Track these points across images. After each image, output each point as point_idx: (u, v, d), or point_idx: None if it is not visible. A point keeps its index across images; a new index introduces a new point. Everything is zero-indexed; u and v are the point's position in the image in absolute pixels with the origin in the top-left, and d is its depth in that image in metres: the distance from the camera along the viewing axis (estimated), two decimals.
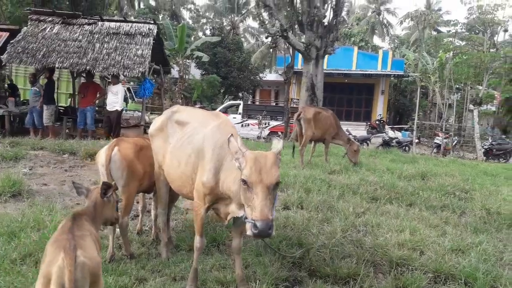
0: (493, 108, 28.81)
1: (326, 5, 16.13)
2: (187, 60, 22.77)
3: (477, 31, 28.38)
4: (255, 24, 43.57)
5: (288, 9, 16.07)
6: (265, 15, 16.42)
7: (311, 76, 16.07)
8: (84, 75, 12.56)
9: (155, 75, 15.06)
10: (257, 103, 29.28)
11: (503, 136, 23.72)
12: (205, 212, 3.47)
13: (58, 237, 2.41)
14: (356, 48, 30.81)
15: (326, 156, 9.98)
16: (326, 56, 17.42)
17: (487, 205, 6.90)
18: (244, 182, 2.79)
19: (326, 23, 16.18)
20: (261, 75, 27.93)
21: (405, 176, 8.71)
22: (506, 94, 25.89)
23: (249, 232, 2.74)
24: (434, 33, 51.49)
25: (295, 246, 4.52)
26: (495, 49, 21.14)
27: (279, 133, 19.03)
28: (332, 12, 16.07)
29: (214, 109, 19.07)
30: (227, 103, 21.62)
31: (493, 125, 28.29)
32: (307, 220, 5.39)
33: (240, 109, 19.81)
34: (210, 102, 22.11)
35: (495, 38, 30.53)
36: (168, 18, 28.50)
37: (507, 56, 19.99)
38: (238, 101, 22.17)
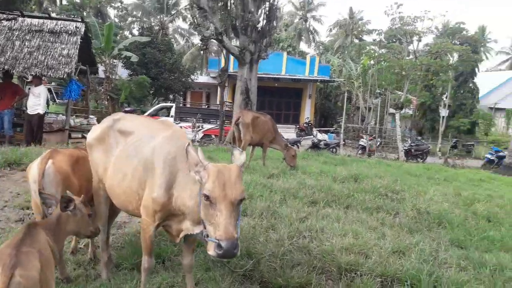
0: (410, 112, 31.01)
1: (259, 10, 16.26)
2: (114, 60, 21.75)
3: (394, 40, 30.43)
4: (185, 25, 43.00)
5: (222, 12, 15.94)
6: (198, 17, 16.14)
7: (245, 80, 16.11)
8: (1, 75, 11.44)
9: (81, 76, 14.15)
10: (188, 105, 28.89)
11: (419, 138, 25.65)
12: (154, 230, 3.23)
13: (2, 250, 2.26)
14: (285, 54, 31.55)
15: (264, 160, 10.03)
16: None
17: (417, 205, 7.34)
18: (207, 197, 2.59)
19: (259, 28, 16.33)
20: (192, 77, 27.48)
21: (339, 179, 8.99)
22: (422, 99, 28.11)
23: (212, 253, 2.54)
24: (356, 41, 54.54)
25: (244, 257, 4.42)
26: (414, 58, 22.74)
27: (213, 136, 18.83)
28: (265, 18, 16.24)
29: (144, 112, 18.42)
30: (158, 105, 20.97)
31: (411, 127, 30.49)
32: (253, 228, 5.32)
33: (172, 112, 19.31)
34: (139, 104, 21.30)
35: (410, 48, 33.02)
36: (93, 15, 27.01)
37: (422, 64, 21.62)
38: (169, 103, 21.61)
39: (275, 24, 16.95)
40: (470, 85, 29.50)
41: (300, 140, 19.61)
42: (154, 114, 19.34)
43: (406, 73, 20.13)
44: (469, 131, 29.46)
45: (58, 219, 2.81)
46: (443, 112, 29.24)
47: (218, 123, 19.29)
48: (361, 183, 8.73)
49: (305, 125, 25.53)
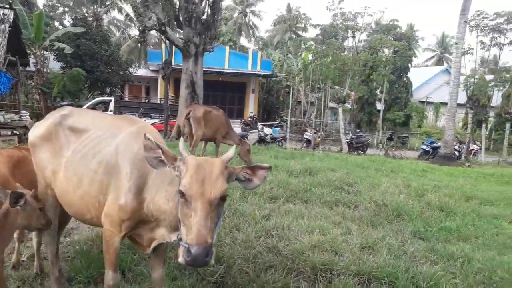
0: (349, 106, 31.96)
1: (203, 1, 15.77)
2: (45, 52, 20.11)
3: (331, 36, 31.19)
4: (121, 17, 41.03)
5: (165, 2, 15.25)
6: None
7: (190, 73, 15.58)
8: None
9: (9, 68, 12.85)
10: (127, 99, 27.55)
11: (357, 130, 26.50)
12: (120, 241, 2.80)
13: None
14: (228, 48, 31.16)
15: (218, 156, 9.66)
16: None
17: (374, 197, 7.39)
18: (182, 194, 2.22)
19: (204, 20, 15.84)
20: (131, 70, 26.22)
21: (295, 173, 8.87)
22: (360, 93, 29.05)
23: (180, 259, 2.18)
24: (294, 36, 55.38)
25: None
26: (355, 53, 23.35)
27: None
28: (210, 10, 15.78)
29: (80, 106, 17.18)
30: (96, 99, 19.72)
31: (350, 120, 31.44)
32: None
33: (111, 106, 18.23)
34: (73, 98, 19.85)
35: (345, 44, 34.06)
36: (20, 4, 24.80)
37: (361, 59, 22.29)
38: (107, 97, 20.42)
39: (219, 17, 16.54)
40: (404, 79, 30.95)
41: (247, 135, 19.40)
42: (92, 109, 18.14)
43: (348, 68, 20.61)
44: (404, 124, 30.95)
45: (5, 214, 2.65)
46: (380, 106, 30.50)
47: (161, 117, 18.56)
48: (316, 177, 8.66)
49: (250, 119, 25.37)
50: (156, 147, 2.36)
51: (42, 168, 3.21)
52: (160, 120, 18.42)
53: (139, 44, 38.82)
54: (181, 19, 16.17)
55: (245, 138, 18.66)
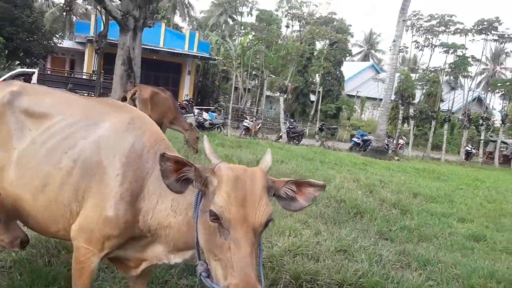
0: (284, 96, 32.11)
1: None
2: None
3: (267, 23, 30.88)
4: None
5: None
6: None
7: (128, 49, 14.32)
8: None
9: None
10: (49, 72, 25.11)
11: (291, 120, 26.77)
12: (98, 262, 2.16)
13: None
14: (164, 25, 29.57)
15: None
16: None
17: (330, 193, 7.23)
18: (215, 217, 1.61)
19: None
20: (55, 40, 23.83)
21: (248, 165, 8.44)
22: (296, 83, 29.27)
23: None
24: (229, 20, 54.61)
25: (184, 273, 3.55)
26: (299, 42, 23.29)
27: None
28: None
29: None
30: (16, 70, 17.55)
31: (284, 110, 31.62)
32: None
33: (34, 79, 16.35)
34: None
35: (283, 32, 34.10)
36: None
37: (300, 50, 22.31)
38: (30, 69, 18.29)
39: None
40: (337, 73, 31.73)
41: (186, 119, 18.54)
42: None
43: (291, 58, 20.51)
44: (335, 116, 31.84)
45: None
46: (314, 97, 31.05)
47: (91, 95, 17.07)
48: (270, 169, 8.30)
49: (185, 102, 24.41)
50: (183, 165, 1.71)
51: None
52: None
53: (64, 13, 35.78)
54: None
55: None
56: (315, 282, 3.72)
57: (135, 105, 8.13)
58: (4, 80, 16.00)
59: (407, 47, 24.62)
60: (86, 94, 17.28)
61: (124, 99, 14.85)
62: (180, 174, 1.71)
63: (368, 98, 42.92)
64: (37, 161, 2.24)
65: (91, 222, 2.08)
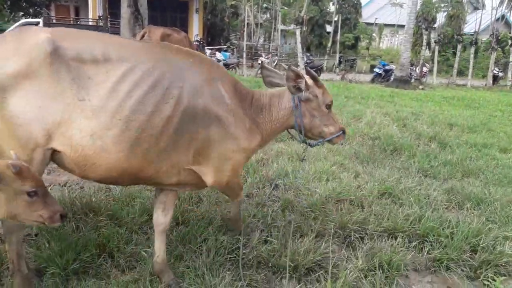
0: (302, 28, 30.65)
1: None
2: None
3: None
4: None
5: None
6: None
7: None
8: None
9: None
10: (54, 21, 24.21)
11: (308, 54, 25.71)
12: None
13: None
14: None
15: None
16: None
17: (363, 130, 6.81)
18: (328, 106, 2.71)
19: None
20: None
21: None
22: (311, 13, 27.79)
23: (341, 140, 2.82)
24: None
25: (222, 229, 3.26)
26: None
27: None
28: None
29: (2, 30, 14.57)
30: (21, 21, 16.86)
31: (301, 44, 30.38)
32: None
33: None
34: None
35: None
36: None
37: None
38: (34, 19, 17.58)
39: None
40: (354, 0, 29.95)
41: None
42: None
43: None
44: (353, 46, 30.51)
45: None
46: (329, 28, 29.61)
47: None
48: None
49: (196, 43, 23.44)
50: (299, 77, 2.56)
51: (27, 121, 2.03)
52: None
53: None
54: None
55: None
56: (364, 231, 3.40)
57: None
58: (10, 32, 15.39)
59: None
60: None
61: None
62: (296, 82, 2.56)
63: (386, 25, 40.89)
64: (128, 112, 2.11)
65: (232, 156, 2.43)
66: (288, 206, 3.74)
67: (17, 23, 16.33)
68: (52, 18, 23.47)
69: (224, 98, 2.39)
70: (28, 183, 1.81)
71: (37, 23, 15.95)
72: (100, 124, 2.09)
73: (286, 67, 2.74)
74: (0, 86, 1.99)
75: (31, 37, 2.09)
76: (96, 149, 2.11)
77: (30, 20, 17.26)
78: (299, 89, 2.56)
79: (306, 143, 2.79)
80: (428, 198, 4.16)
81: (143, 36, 7.59)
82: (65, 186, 3.97)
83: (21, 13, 22.34)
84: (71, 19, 26.66)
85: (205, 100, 2.30)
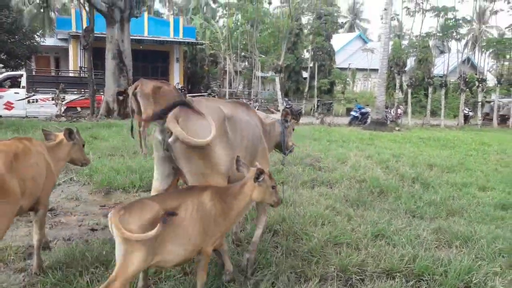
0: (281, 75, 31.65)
1: None
2: None
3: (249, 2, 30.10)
4: None
5: None
6: None
7: (116, 42, 13.96)
8: None
9: None
10: (34, 73, 24.38)
11: (286, 99, 26.47)
12: None
13: None
14: (146, 13, 28.79)
15: None
16: None
17: (349, 173, 7.10)
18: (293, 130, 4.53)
19: None
20: (38, 39, 23.09)
21: None
22: (287, 61, 28.86)
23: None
24: (211, 1, 53.55)
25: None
26: (290, 20, 22.73)
27: (79, 108, 16.17)
28: None
29: None
30: (4, 74, 16.99)
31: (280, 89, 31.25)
32: None
33: (23, 82, 15.81)
34: None
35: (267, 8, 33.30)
36: None
37: (289, 25, 21.82)
38: (17, 72, 17.77)
39: None
40: (328, 47, 31.30)
41: None
42: None
43: (283, 35, 20.06)
44: (329, 91, 31.56)
45: (242, 186, 2.94)
46: (305, 74, 30.68)
47: (83, 93, 16.62)
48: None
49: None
50: (288, 114, 4.37)
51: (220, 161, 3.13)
52: (82, 96, 16.48)
53: (41, 10, 34.72)
54: None
55: None
56: (363, 273, 3.57)
57: (137, 101, 7.84)
58: None
59: (397, 15, 24.26)
60: (76, 92, 16.84)
61: (119, 93, 14.54)
62: (285, 117, 4.27)
63: (359, 70, 42.63)
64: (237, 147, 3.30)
65: (265, 163, 3.60)
66: (288, 251, 3.90)
67: (1, 76, 16.46)
68: (33, 70, 23.67)
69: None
70: (272, 181, 3.00)
71: (20, 76, 16.14)
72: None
73: (274, 111, 3.38)
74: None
75: (215, 105, 3.42)
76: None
77: (12, 73, 17.44)
78: (286, 121, 4.23)
79: (285, 154, 4.33)
80: (419, 238, 4.39)
81: (135, 88, 7.82)
82: (69, 240, 4.04)
83: (1, 65, 22.53)
84: (52, 70, 26.89)
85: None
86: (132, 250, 2.35)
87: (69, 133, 3.58)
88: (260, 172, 2.87)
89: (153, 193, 3.20)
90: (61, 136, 3.57)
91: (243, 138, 3.33)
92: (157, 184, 3.19)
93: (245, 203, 2.93)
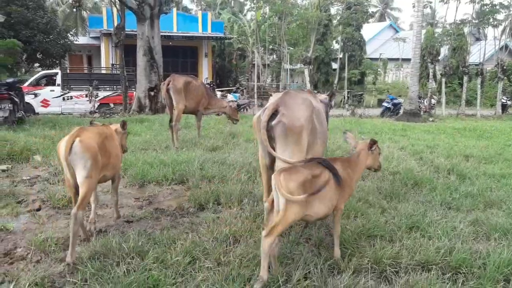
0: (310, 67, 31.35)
1: None
2: None
3: None
4: None
5: None
6: None
7: (147, 38, 14.20)
8: None
9: None
10: (68, 71, 25.15)
11: (316, 92, 26.17)
12: None
13: None
14: (175, 9, 29.11)
15: (199, 130, 8.82)
16: None
17: (383, 165, 6.95)
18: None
19: None
20: (71, 38, 23.77)
21: None
22: (316, 53, 28.54)
23: None
24: None
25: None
26: (318, 10, 22.40)
27: (112, 104, 16.58)
28: None
29: (22, 82, 15.21)
30: (40, 73, 17.62)
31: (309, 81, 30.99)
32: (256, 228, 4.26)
33: (59, 80, 16.36)
34: (11, 73, 17.60)
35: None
36: None
37: (318, 17, 21.50)
38: (53, 71, 18.38)
39: None
40: (358, 37, 30.73)
41: None
42: (36, 84, 16.24)
43: (312, 27, 19.86)
44: (359, 82, 31.05)
45: (358, 155, 3.65)
46: (335, 65, 30.29)
47: (116, 89, 17.02)
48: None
49: (207, 86, 24.11)
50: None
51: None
52: (115, 92, 16.89)
53: (74, 9, 35.68)
54: None
55: None
56: (398, 265, 3.51)
57: (169, 95, 7.97)
58: (30, 83, 16.14)
59: (430, 2, 23.49)
60: (110, 89, 17.24)
61: (150, 89, 14.80)
62: None
63: (390, 59, 41.63)
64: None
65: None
66: (322, 243, 3.88)
67: (36, 76, 17.08)
68: (67, 68, 24.46)
69: None
70: (379, 150, 3.79)
71: (55, 74, 16.69)
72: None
73: None
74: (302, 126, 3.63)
75: (308, 96, 4.08)
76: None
77: (48, 71, 18.05)
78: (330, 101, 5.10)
79: None
80: (455, 230, 4.27)
81: (168, 84, 7.98)
82: (105, 232, 4.16)
83: (37, 64, 23.32)
84: (85, 68, 27.66)
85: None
86: (291, 205, 3.01)
87: (123, 124, 4.44)
88: (373, 142, 3.63)
89: (262, 167, 3.81)
90: (116, 126, 4.47)
91: (321, 125, 3.84)
92: (262, 160, 3.77)
93: (361, 169, 3.68)
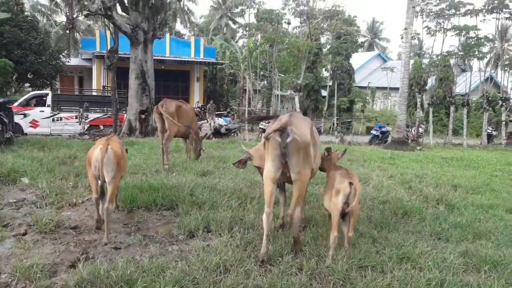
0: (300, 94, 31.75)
1: None
2: None
3: (269, 21, 30.54)
4: (44, 1, 37.43)
5: None
6: None
7: (140, 62, 14.29)
8: None
9: None
10: (59, 92, 25.10)
11: None
12: None
13: None
14: (168, 34, 29.50)
15: (189, 153, 8.83)
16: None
17: (371, 194, 7.00)
18: None
19: (151, 4, 14.52)
20: (63, 59, 23.82)
21: None
22: (306, 80, 29.00)
23: None
24: (231, 22, 54.52)
25: None
26: (309, 40, 22.93)
27: (101, 126, 16.51)
28: None
29: (11, 102, 15.08)
30: (30, 93, 17.54)
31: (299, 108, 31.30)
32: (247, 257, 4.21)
33: (49, 100, 16.28)
34: (0, 93, 17.48)
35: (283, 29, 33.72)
36: None
37: (309, 46, 21.98)
38: (43, 91, 18.33)
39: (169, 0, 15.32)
40: (347, 65, 31.35)
41: (201, 126, 18.39)
42: (25, 104, 16.13)
43: (303, 55, 20.23)
44: (348, 109, 31.48)
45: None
46: (324, 92, 30.73)
47: (106, 111, 16.99)
48: None
49: (198, 109, 24.26)
50: None
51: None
52: (105, 114, 16.84)
53: (67, 31, 35.90)
54: (126, 2, 14.74)
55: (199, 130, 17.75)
56: None
57: (162, 119, 7.99)
58: (20, 103, 16.01)
59: (418, 34, 24.19)
60: (99, 111, 17.20)
61: (141, 112, 14.81)
62: None
63: (378, 88, 42.43)
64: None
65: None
66: (315, 276, 3.85)
67: (26, 96, 16.99)
68: (58, 89, 24.41)
69: None
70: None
71: (45, 95, 16.63)
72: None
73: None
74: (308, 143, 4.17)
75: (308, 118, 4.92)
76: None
77: (38, 92, 17.99)
78: None
79: None
80: (446, 262, 4.28)
81: (162, 107, 8.02)
82: (93, 258, 4.07)
83: (27, 84, 23.24)
84: (76, 89, 27.65)
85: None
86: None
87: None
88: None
89: (268, 181, 4.12)
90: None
91: (316, 139, 4.54)
92: (271, 174, 4.10)
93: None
